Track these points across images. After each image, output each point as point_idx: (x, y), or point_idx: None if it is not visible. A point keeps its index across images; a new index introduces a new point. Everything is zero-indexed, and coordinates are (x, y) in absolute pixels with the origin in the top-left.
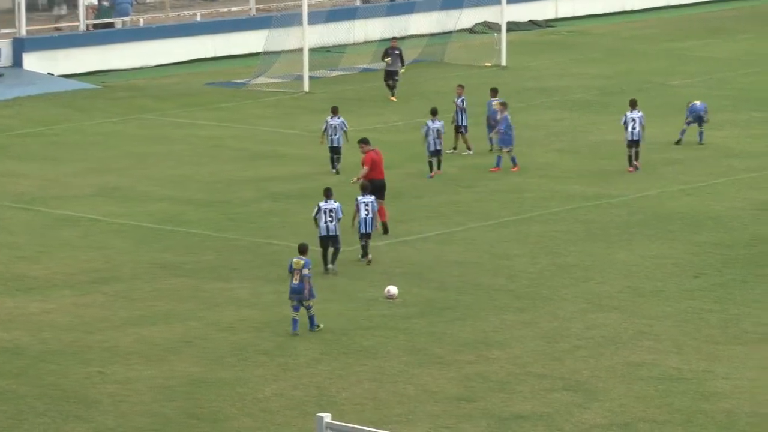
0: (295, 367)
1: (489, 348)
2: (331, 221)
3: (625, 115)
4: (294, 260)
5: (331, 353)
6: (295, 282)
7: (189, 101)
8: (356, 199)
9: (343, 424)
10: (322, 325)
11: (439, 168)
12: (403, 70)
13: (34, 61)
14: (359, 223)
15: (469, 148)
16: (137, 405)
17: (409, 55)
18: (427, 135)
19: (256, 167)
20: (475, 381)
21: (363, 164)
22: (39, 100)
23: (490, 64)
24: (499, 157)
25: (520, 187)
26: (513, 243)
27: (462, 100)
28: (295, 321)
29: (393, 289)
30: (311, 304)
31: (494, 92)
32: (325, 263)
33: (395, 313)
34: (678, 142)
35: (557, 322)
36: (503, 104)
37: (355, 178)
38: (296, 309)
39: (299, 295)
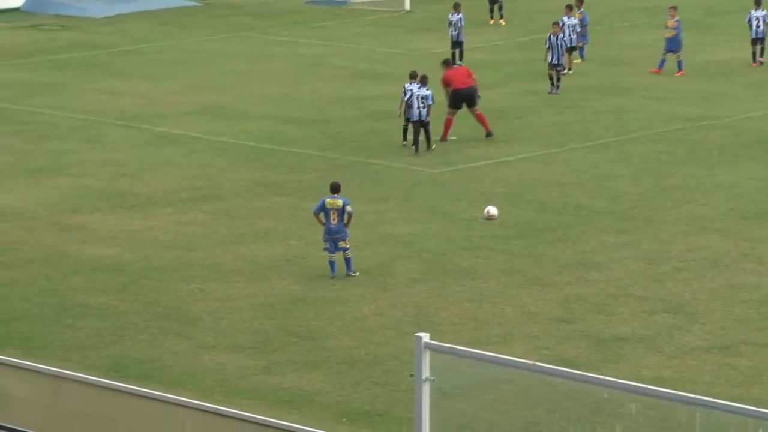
0: (394, 287)
1: (589, 270)
2: (423, 107)
3: (749, 14)
4: (328, 200)
5: (430, 273)
6: (333, 223)
7: (290, 19)
8: (404, 86)
9: (442, 344)
10: (358, 273)
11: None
12: None
13: None
14: (406, 109)
15: (569, 68)
16: (237, 322)
17: None
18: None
19: (356, 86)
20: (575, 303)
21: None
22: (140, 18)
23: None
24: (663, 60)
25: (622, 108)
26: (615, 164)
27: (572, 23)
28: (332, 263)
29: (493, 210)
30: (348, 245)
31: (569, 8)
32: (416, 143)
33: (495, 233)
34: None
35: (658, 244)
36: (569, 7)
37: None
38: (332, 251)
39: (336, 236)
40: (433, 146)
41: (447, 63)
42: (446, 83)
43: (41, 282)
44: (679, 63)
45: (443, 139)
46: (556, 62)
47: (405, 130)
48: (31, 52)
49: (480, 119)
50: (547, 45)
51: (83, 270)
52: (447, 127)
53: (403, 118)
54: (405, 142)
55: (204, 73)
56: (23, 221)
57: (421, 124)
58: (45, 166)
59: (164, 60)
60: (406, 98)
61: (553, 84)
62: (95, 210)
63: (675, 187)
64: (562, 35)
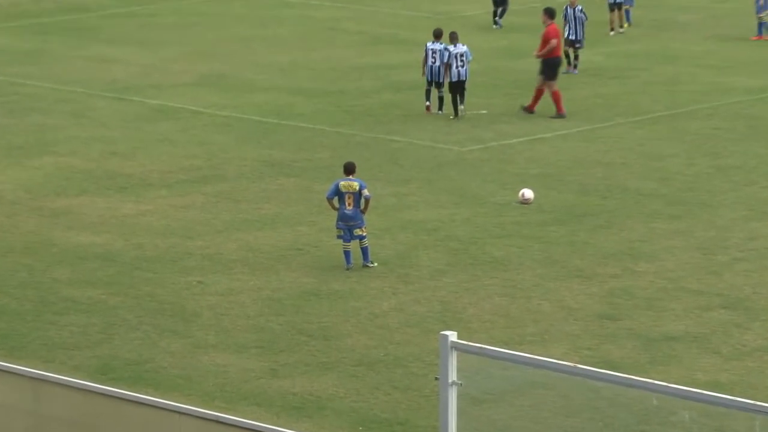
0: (417, 280)
1: (636, 260)
2: (462, 66)
3: None
4: (342, 182)
5: (458, 264)
6: (349, 208)
7: None
8: (426, 46)
9: (471, 343)
10: (377, 264)
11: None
12: None
13: None
14: (427, 70)
15: (615, 28)
16: (241, 319)
17: None
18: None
19: (375, 53)
20: (620, 297)
21: (547, 37)
22: None
23: None
24: (761, 24)
25: (674, 79)
26: (666, 141)
27: None
28: (348, 253)
29: (528, 193)
30: (364, 233)
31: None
32: (456, 109)
33: (530, 219)
34: None
35: (715, 231)
36: None
37: (538, 52)
38: (347, 239)
39: (351, 223)
40: (465, 113)
41: (552, 14)
42: (556, 37)
43: (21, 274)
44: (760, 26)
45: (563, 113)
46: (573, 38)
47: (428, 92)
48: (12, 15)
49: (538, 94)
50: (563, 17)
51: (68, 260)
52: (558, 99)
53: (425, 80)
54: (428, 103)
55: (205, 38)
56: (1, 205)
57: (460, 85)
58: (26, 143)
59: (160, 24)
60: (446, 60)
61: (570, 62)
62: (82, 192)
63: (733, 167)
64: (580, 7)
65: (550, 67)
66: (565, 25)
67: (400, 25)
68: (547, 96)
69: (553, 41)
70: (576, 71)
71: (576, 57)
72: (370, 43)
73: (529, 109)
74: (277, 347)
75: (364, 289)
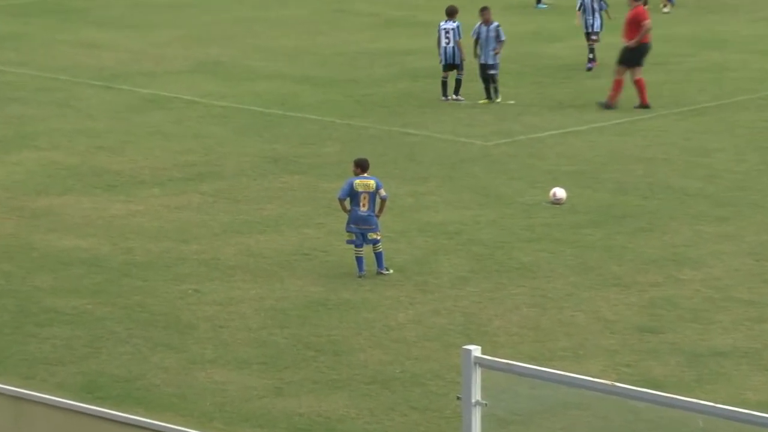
0: (437, 288)
1: (680, 267)
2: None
3: None
4: (357, 181)
5: (482, 271)
6: (363, 209)
7: None
8: (439, 26)
9: (496, 359)
10: (392, 271)
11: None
12: None
13: None
14: (441, 53)
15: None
16: (241, 332)
17: None
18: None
19: (389, 37)
20: (663, 308)
21: (638, 19)
22: None
23: None
24: None
25: (722, 65)
26: (713, 135)
27: None
28: (360, 259)
29: (560, 192)
30: (379, 237)
31: None
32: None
33: (562, 221)
34: None
35: (767, 234)
36: None
37: (633, 42)
38: (359, 244)
39: (365, 226)
40: (499, 98)
41: None
42: (646, 19)
43: None
44: None
45: (647, 103)
46: (590, 29)
47: (444, 83)
48: None
49: (617, 86)
50: (579, 5)
51: (51, 266)
52: (642, 87)
53: (441, 66)
54: (444, 98)
55: (200, 21)
56: None
57: (487, 68)
58: (5, 136)
59: (152, 5)
60: (502, 38)
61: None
62: (66, 191)
63: None
64: None
65: (637, 54)
66: (581, 14)
67: (415, 5)
68: (579, 88)
69: (648, 22)
70: (591, 65)
71: (591, 50)
72: (383, 26)
73: (608, 104)
74: (281, 363)
75: (378, 298)
